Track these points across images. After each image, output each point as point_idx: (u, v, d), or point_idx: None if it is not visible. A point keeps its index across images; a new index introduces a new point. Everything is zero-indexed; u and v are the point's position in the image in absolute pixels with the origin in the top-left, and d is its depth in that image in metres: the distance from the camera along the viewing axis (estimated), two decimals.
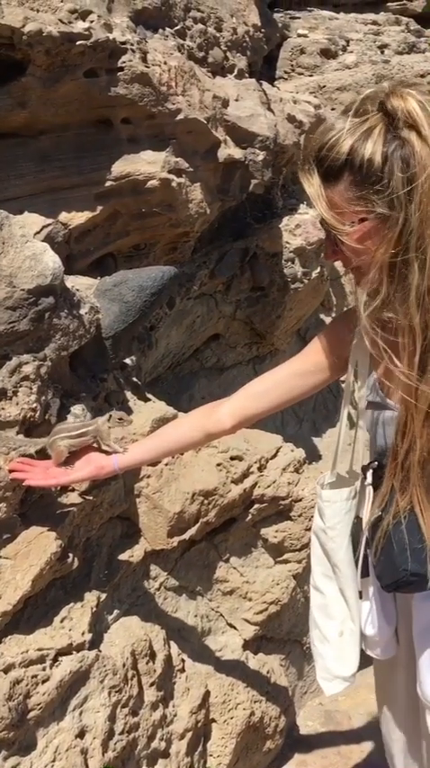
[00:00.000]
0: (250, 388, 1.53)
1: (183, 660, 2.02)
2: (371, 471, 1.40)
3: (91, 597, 1.79)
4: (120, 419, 1.57)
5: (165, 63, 2.49)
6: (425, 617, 1.39)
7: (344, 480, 1.51)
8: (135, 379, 2.48)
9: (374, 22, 7.09)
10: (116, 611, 1.89)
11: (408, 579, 1.29)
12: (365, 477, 1.41)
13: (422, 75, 6.52)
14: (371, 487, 1.40)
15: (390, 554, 1.31)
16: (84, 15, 2.23)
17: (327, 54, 6.26)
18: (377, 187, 1.14)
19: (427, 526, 1.27)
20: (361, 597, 1.47)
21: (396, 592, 1.40)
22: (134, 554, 2.02)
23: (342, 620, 1.49)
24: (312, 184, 1.22)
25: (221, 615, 2.29)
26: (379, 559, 1.35)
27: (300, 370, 1.46)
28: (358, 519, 1.46)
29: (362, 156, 1.14)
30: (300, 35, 6.36)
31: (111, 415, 1.58)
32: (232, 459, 2.28)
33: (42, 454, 1.65)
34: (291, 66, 6.23)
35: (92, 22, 2.23)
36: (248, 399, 1.51)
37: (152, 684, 1.86)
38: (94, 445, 1.63)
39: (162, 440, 1.59)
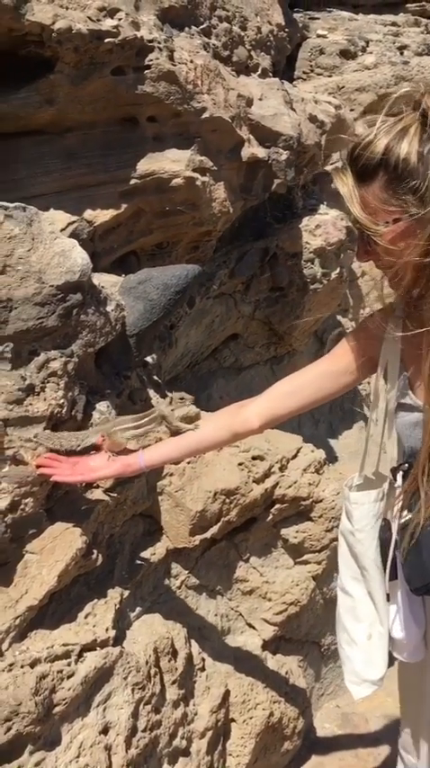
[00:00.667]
0: (278, 387, 1.53)
1: (203, 659, 2.03)
2: (400, 473, 1.40)
3: (114, 594, 1.80)
4: (181, 398, 1.57)
5: (192, 61, 2.49)
6: None
7: (371, 482, 1.51)
8: (156, 377, 2.49)
9: (393, 24, 7.06)
10: (138, 609, 1.90)
11: None
12: (395, 479, 1.41)
13: None
14: (400, 490, 1.40)
15: (420, 557, 1.30)
16: (112, 13, 2.23)
17: (347, 55, 6.24)
18: (412, 187, 1.14)
19: None
20: (388, 600, 1.47)
21: (426, 595, 1.40)
22: (156, 552, 2.02)
23: (370, 622, 1.49)
24: (346, 184, 1.22)
25: (241, 615, 2.29)
26: (408, 562, 1.35)
27: (329, 370, 1.46)
28: (385, 521, 1.45)
29: (398, 155, 1.14)
30: (319, 35, 6.35)
31: (171, 398, 1.57)
32: (254, 458, 2.28)
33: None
34: (310, 66, 6.21)
35: (120, 19, 2.24)
36: (276, 399, 1.50)
37: (174, 682, 1.86)
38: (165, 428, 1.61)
39: (189, 439, 1.60)
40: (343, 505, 1.53)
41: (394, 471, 1.44)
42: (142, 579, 1.95)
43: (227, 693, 2.04)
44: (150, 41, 2.31)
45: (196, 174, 2.50)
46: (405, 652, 1.50)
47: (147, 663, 1.76)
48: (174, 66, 2.38)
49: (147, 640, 1.81)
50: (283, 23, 3.59)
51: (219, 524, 2.15)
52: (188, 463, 2.13)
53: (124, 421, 1.63)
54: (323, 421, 4.07)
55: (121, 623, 1.80)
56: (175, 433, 1.59)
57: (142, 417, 1.62)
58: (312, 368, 1.51)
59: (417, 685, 1.59)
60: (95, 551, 1.74)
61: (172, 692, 1.84)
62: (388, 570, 1.43)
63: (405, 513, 1.37)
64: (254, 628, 2.30)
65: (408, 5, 7.50)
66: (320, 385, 1.47)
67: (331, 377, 1.46)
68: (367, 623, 1.49)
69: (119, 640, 1.75)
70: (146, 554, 1.99)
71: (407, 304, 1.26)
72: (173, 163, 2.46)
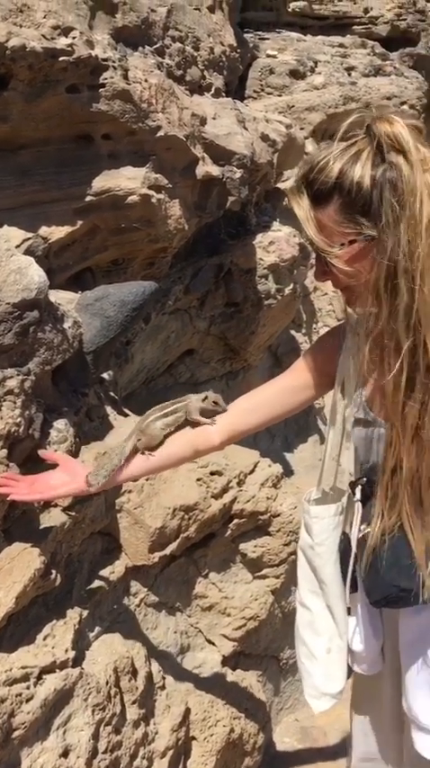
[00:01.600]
0: (238, 404, 1.54)
1: (163, 677, 2.02)
2: (359, 488, 1.42)
3: (73, 614, 1.78)
4: (215, 402, 1.51)
5: (146, 80, 2.52)
6: (411, 632, 1.42)
7: (329, 496, 1.53)
8: (113, 393, 2.49)
9: (341, 45, 7.24)
10: (98, 629, 1.88)
11: (398, 595, 1.31)
12: (354, 494, 1.43)
13: (388, 98, 6.69)
14: (359, 504, 1.42)
15: (379, 570, 1.33)
16: (66, 32, 2.24)
17: (296, 75, 6.37)
18: (365, 210, 1.18)
19: (416, 542, 1.29)
20: (349, 613, 1.49)
21: (384, 607, 1.42)
22: (115, 570, 2.01)
23: (329, 636, 1.50)
24: (302, 207, 1.25)
25: (200, 631, 2.29)
26: (368, 575, 1.36)
27: (289, 386, 1.49)
28: (345, 535, 1.47)
29: (352, 179, 1.18)
30: (269, 55, 6.47)
31: (207, 396, 1.51)
32: (212, 474, 2.29)
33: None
34: (261, 85, 6.32)
35: (74, 38, 2.25)
36: (237, 416, 1.52)
37: (134, 702, 1.85)
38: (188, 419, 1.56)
39: (150, 457, 1.58)
40: (302, 519, 1.55)
41: (352, 485, 1.46)
42: (101, 598, 1.93)
43: (187, 711, 2.03)
44: (104, 60, 2.33)
45: (151, 192, 2.52)
46: (364, 664, 1.52)
47: (107, 683, 1.75)
48: (129, 84, 2.41)
49: (106, 660, 1.80)
50: (235, 44, 3.65)
51: (178, 541, 2.15)
52: (147, 480, 2.13)
53: (152, 412, 1.58)
54: (279, 435, 4.11)
55: (81, 644, 1.78)
56: (195, 424, 1.54)
57: (171, 404, 1.57)
58: (272, 384, 1.53)
59: (377, 697, 1.61)
60: (54, 571, 1.72)
61: (132, 712, 1.83)
62: (348, 583, 1.45)
63: (363, 526, 1.40)
64: (213, 644, 2.30)
65: (355, 27, 7.70)
66: (280, 401, 1.49)
67: (291, 392, 1.49)
68: (326, 637, 1.50)
69: (78, 661, 1.73)
70: (105, 572, 1.98)
71: (363, 321, 1.29)
72: (128, 180, 2.47)
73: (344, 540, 1.46)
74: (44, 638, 1.67)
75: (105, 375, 2.45)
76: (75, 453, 1.93)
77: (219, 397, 1.52)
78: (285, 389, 1.48)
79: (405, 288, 1.18)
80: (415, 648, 1.40)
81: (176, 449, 1.54)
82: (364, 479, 1.41)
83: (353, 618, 1.48)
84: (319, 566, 1.48)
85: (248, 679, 2.34)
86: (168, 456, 1.56)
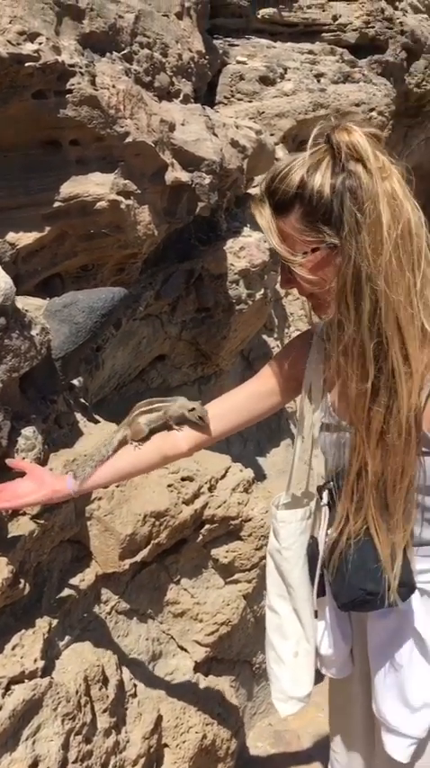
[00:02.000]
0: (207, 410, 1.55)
1: (135, 685, 2.01)
2: (326, 492, 1.44)
3: (42, 623, 1.76)
4: (200, 418, 1.48)
5: (114, 86, 2.52)
6: (380, 635, 1.42)
7: (298, 501, 1.55)
8: (83, 400, 2.47)
9: (310, 52, 7.29)
10: (68, 637, 1.86)
11: (364, 598, 1.32)
12: (321, 498, 1.45)
13: (356, 104, 6.75)
14: (326, 508, 1.43)
15: (346, 574, 1.34)
16: (32, 37, 2.23)
17: (266, 81, 6.41)
18: (327, 218, 1.19)
19: (382, 546, 1.30)
20: (316, 617, 1.50)
21: (352, 611, 1.43)
22: (85, 578, 2.00)
23: (297, 640, 1.51)
24: (264, 216, 1.27)
25: (172, 638, 2.28)
26: (335, 579, 1.37)
27: (257, 392, 1.50)
28: (313, 539, 1.49)
29: (312, 187, 1.20)
30: (239, 62, 6.50)
31: (195, 408, 1.48)
32: (183, 479, 2.29)
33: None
34: (231, 91, 6.34)
35: (40, 44, 2.24)
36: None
37: (105, 711, 1.84)
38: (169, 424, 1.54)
39: (119, 463, 1.58)
40: (271, 524, 1.56)
41: (320, 490, 1.47)
42: (71, 607, 1.92)
43: (159, 718, 2.02)
44: (71, 66, 2.32)
45: (120, 198, 2.52)
46: (333, 668, 1.53)
47: (77, 692, 1.73)
48: (96, 90, 2.40)
49: (77, 669, 1.79)
50: (203, 50, 3.66)
51: (149, 547, 2.14)
52: (117, 487, 2.12)
53: (140, 406, 1.56)
54: (251, 440, 4.12)
55: (50, 653, 1.77)
56: (178, 423, 1.52)
57: (158, 402, 1.55)
58: (240, 390, 1.54)
59: (347, 700, 1.62)
60: (22, 581, 1.70)
61: (103, 721, 1.82)
62: (316, 587, 1.46)
63: (331, 530, 1.41)
64: (185, 650, 2.29)
65: (324, 35, 7.76)
66: (248, 407, 1.50)
67: (258, 398, 1.50)
68: (294, 641, 1.51)
69: (48, 671, 1.72)
70: (75, 581, 1.97)
71: (328, 328, 1.31)
72: (97, 186, 2.47)
73: (313, 543, 1.47)
74: (12, 648, 1.65)
75: (75, 381, 2.43)
76: (43, 461, 1.91)
77: (206, 413, 1.50)
78: (253, 395, 1.49)
79: (368, 294, 1.19)
80: (383, 651, 1.41)
81: (144, 455, 1.54)
82: (331, 483, 1.42)
83: (322, 622, 1.49)
84: (287, 570, 1.49)
85: (221, 684, 2.34)
86: (135, 463, 1.56)
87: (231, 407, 1.50)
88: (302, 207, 1.21)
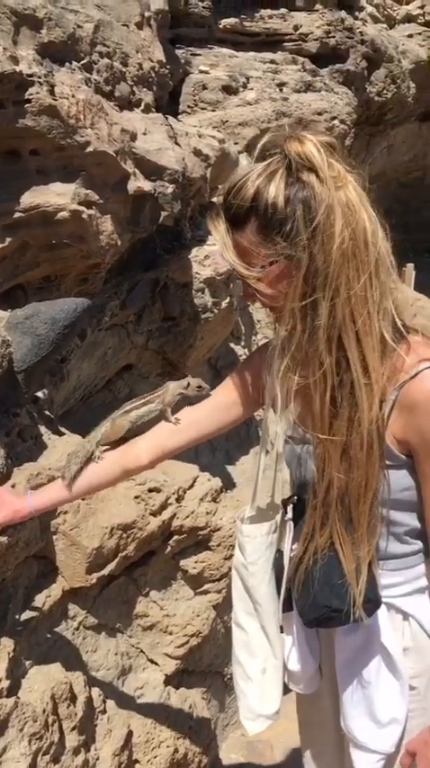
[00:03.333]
0: (168, 422, 1.51)
1: (104, 701, 1.98)
2: (291, 506, 1.41)
3: (7, 642, 1.73)
4: (199, 387, 1.42)
5: (73, 96, 2.51)
6: (347, 651, 1.39)
7: (264, 514, 1.50)
8: (48, 412, 2.44)
9: (272, 61, 7.36)
10: (34, 655, 1.83)
11: (330, 615, 1.29)
12: (286, 512, 1.42)
13: (319, 113, 6.83)
14: (291, 522, 1.40)
15: (311, 590, 1.31)
16: None
17: (229, 90, 6.44)
18: (281, 230, 1.17)
19: (346, 561, 1.28)
20: (282, 632, 1.47)
21: (317, 627, 1.41)
22: (51, 594, 1.96)
23: (264, 657, 1.47)
24: (219, 231, 1.24)
25: (142, 651, 2.26)
26: (300, 595, 1.34)
27: (220, 404, 1.46)
28: (279, 553, 1.46)
29: (266, 199, 1.17)
30: (201, 71, 6.52)
31: (189, 383, 1.43)
32: (150, 491, 2.27)
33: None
34: (194, 101, 6.37)
35: None
36: (166, 434, 1.48)
37: (73, 729, 1.80)
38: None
39: (80, 478, 1.52)
40: (236, 539, 1.53)
41: (285, 503, 1.45)
42: (37, 624, 1.88)
43: (129, 734, 1.99)
44: (30, 76, 2.31)
45: (82, 208, 2.51)
46: (301, 683, 1.49)
47: (44, 711, 1.70)
48: (56, 100, 2.39)
49: (43, 687, 1.75)
50: (164, 60, 3.67)
51: (116, 560, 2.12)
52: (83, 500, 2.09)
53: (130, 403, 1.51)
54: (220, 449, 4.12)
55: (16, 672, 1.73)
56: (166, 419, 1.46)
57: (149, 395, 1.49)
58: (203, 403, 1.50)
59: (317, 714, 1.59)
60: None
61: (71, 739, 1.78)
62: (281, 602, 1.43)
63: (295, 545, 1.38)
64: (156, 663, 2.27)
65: (286, 44, 7.84)
66: (210, 418, 1.46)
67: (221, 410, 1.46)
68: (261, 657, 1.47)
69: (13, 690, 1.68)
70: (41, 597, 1.93)
71: (284, 340, 1.29)
72: (58, 196, 2.45)
73: (279, 558, 1.45)
74: None
75: (39, 394, 2.40)
76: (6, 475, 1.88)
77: (200, 380, 1.45)
78: (216, 407, 1.46)
79: (324, 305, 1.18)
80: (350, 667, 1.38)
81: (103, 470, 1.50)
82: (295, 498, 1.40)
83: (289, 637, 1.46)
84: (253, 585, 1.45)
85: (192, 697, 2.31)
86: (96, 479, 1.51)
87: (193, 419, 1.46)
88: (257, 220, 1.19)
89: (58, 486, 1.55)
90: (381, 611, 1.33)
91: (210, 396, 1.48)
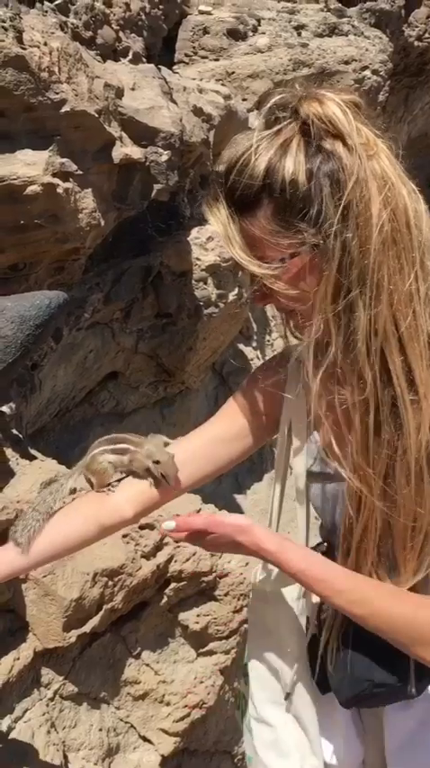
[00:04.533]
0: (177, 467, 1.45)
1: None
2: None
3: None
4: (163, 476, 1.34)
5: (46, 44, 2.52)
6: (400, 734, 1.36)
7: (281, 575, 1.46)
8: (15, 431, 2.45)
9: None
10: None
11: (372, 692, 1.26)
12: None
13: (346, 62, 6.85)
14: None
15: (347, 660, 1.26)
16: None
17: (235, 35, 6.47)
18: (305, 213, 1.14)
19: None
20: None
21: (355, 707, 1.38)
22: (20, 656, 1.97)
23: (301, 755, 1.42)
24: (220, 220, 1.19)
25: (133, 726, 2.25)
26: (335, 668, 1.29)
27: (220, 436, 1.39)
28: (308, 620, 1.41)
29: (283, 176, 1.12)
30: (202, 12, 6.55)
31: (160, 461, 1.35)
32: (141, 528, 2.27)
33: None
34: (193, 48, 6.39)
35: None
36: None
37: None
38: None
39: (46, 541, 1.39)
40: (249, 611, 1.50)
41: None
42: (3, 693, 1.88)
43: None
44: None
45: (57, 180, 2.52)
46: None
47: None
48: (24, 49, 2.40)
49: None
50: None
51: (100, 614, 2.12)
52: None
53: (98, 445, 1.43)
54: (227, 474, 4.12)
55: None
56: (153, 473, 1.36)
57: (123, 440, 1.42)
58: (198, 434, 1.42)
59: None
60: None
61: None
62: (315, 679, 1.39)
63: (325, 606, 1.35)
64: (150, 741, 2.26)
65: None
66: (209, 455, 1.39)
67: (223, 444, 1.39)
68: (297, 757, 1.41)
69: None
70: (7, 660, 1.93)
71: (315, 351, 1.24)
72: (27, 166, 2.46)
73: (310, 627, 1.41)
74: None
75: (5, 408, 2.41)
76: None
77: (174, 471, 1.35)
78: (216, 441, 1.39)
79: (361, 303, 1.15)
80: (405, 754, 1.34)
81: (73, 528, 1.39)
82: (325, 544, 1.38)
83: (327, 725, 1.43)
84: (282, 667, 1.41)
85: None
86: (62, 540, 1.39)
87: (188, 458, 1.37)
88: (272, 202, 1.14)
89: (8, 550, 1.40)
90: None
91: (211, 424, 1.42)
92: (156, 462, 1.35)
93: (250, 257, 1.19)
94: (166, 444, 1.39)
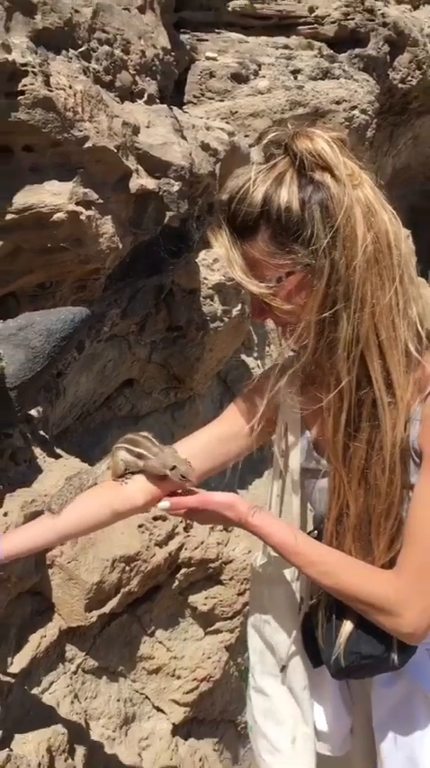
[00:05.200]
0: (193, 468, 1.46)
1: (106, 754, 1.97)
2: None
3: None
4: (183, 477, 1.33)
5: (70, 87, 2.53)
6: (386, 705, 1.35)
7: (280, 560, 1.40)
8: (42, 432, 2.45)
9: (286, 47, 7.40)
10: (28, 702, 1.82)
11: (360, 663, 1.25)
12: None
13: (337, 102, 6.85)
14: None
15: (336, 635, 1.26)
16: None
17: (238, 78, 6.48)
18: (298, 236, 1.16)
19: None
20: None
21: (347, 678, 1.38)
22: (47, 634, 1.96)
23: (293, 723, 1.41)
24: (224, 245, 1.20)
25: (147, 697, 2.24)
26: (325, 642, 1.29)
27: (223, 434, 1.40)
28: (302, 600, 1.42)
29: (279, 204, 1.15)
30: (208, 58, 6.56)
31: (176, 466, 1.34)
32: (155, 519, 2.26)
33: None
34: (201, 90, 6.41)
35: None
36: None
37: None
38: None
39: (63, 521, 1.41)
40: (250, 591, 1.49)
41: None
42: (32, 667, 1.88)
43: None
44: (23, 65, 2.33)
45: (80, 208, 2.52)
46: (329, 744, 1.44)
47: (39, 765, 1.69)
48: (51, 91, 2.41)
49: (39, 738, 1.74)
50: (169, 46, 3.70)
51: (118, 596, 2.11)
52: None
53: (124, 438, 1.43)
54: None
55: (8, 721, 1.72)
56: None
57: (143, 441, 1.40)
58: (203, 433, 1.43)
59: None
60: None
61: None
62: (296, 654, 1.38)
63: (316, 587, 1.35)
64: (162, 711, 2.25)
65: (301, 28, 7.89)
66: (213, 452, 1.39)
67: (225, 442, 1.40)
68: (290, 724, 1.41)
69: (6, 741, 1.67)
70: (35, 637, 1.93)
71: (300, 357, 1.27)
72: (53, 196, 2.47)
73: (304, 606, 1.41)
74: None
75: (33, 412, 2.41)
76: None
77: (190, 472, 1.34)
78: (219, 438, 1.39)
79: (345, 317, 1.17)
80: (390, 724, 1.34)
81: (90, 511, 1.41)
82: (316, 532, 1.38)
83: (319, 693, 1.43)
84: (279, 642, 1.40)
85: (203, 749, 2.30)
86: (81, 520, 1.41)
87: (194, 454, 1.38)
88: (270, 227, 1.16)
89: (34, 527, 1.46)
90: (424, 658, 1.30)
91: (213, 424, 1.42)
92: (173, 468, 1.35)
93: (249, 278, 1.21)
94: (183, 476, 1.37)
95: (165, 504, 1.33)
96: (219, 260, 3.80)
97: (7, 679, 1.76)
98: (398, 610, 1.18)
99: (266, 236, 1.18)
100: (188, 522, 2.33)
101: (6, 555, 1.39)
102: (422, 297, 1.29)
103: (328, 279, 1.15)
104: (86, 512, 1.42)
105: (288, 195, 1.15)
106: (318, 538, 1.35)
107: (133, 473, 1.41)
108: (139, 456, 1.41)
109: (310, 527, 1.41)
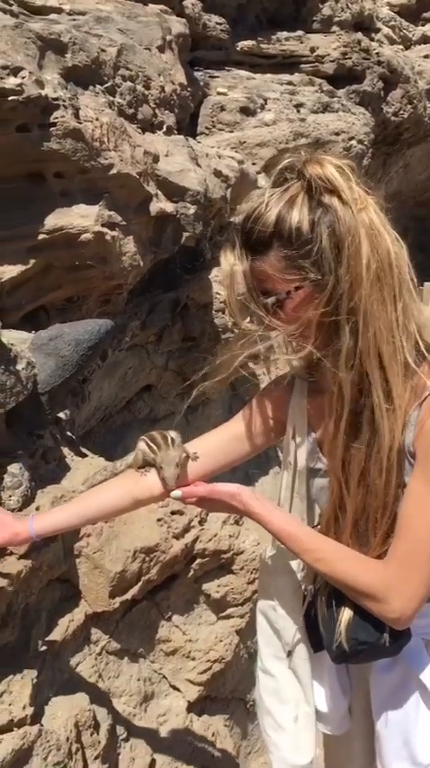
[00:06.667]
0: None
1: (127, 728, 1.95)
2: None
3: (31, 668, 1.70)
4: (162, 479, 1.36)
5: (97, 119, 2.53)
6: (383, 689, 1.34)
7: (286, 551, 1.41)
8: (70, 433, 2.44)
9: (289, 83, 7.40)
10: (57, 681, 1.81)
11: (357, 649, 1.24)
12: None
13: (336, 133, 6.85)
14: None
15: (336, 623, 1.25)
16: (15, 71, 2.24)
17: (247, 112, 6.48)
18: (307, 254, 1.15)
19: None
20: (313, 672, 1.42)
21: (346, 663, 1.36)
22: (74, 618, 1.94)
23: (296, 703, 1.41)
24: (230, 263, 1.21)
25: (164, 677, 2.22)
26: (326, 629, 1.29)
27: (237, 433, 1.41)
28: (306, 589, 1.41)
29: (290, 225, 1.15)
30: (219, 93, 6.57)
31: (162, 468, 1.37)
32: (173, 513, 2.24)
33: None
34: (212, 122, 6.41)
35: (23, 78, 2.25)
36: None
37: (97, 757, 1.77)
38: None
39: (87, 505, 1.46)
40: (259, 579, 1.49)
41: None
42: (60, 649, 1.86)
43: (152, 762, 1.96)
44: (55, 99, 2.33)
45: (105, 229, 2.52)
46: (330, 724, 1.44)
47: (67, 739, 1.67)
48: (80, 123, 2.41)
49: (66, 715, 1.72)
50: (185, 82, 3.70)
51: (139, 584, 2.09)
52: (106, 522, 2.07)
53: (149, 433, 1.44)
54: (239, 469, 4.08)
55: (39, 698, 1.70)
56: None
57: (161, 439, 1.40)
58: (218, 432, 1.44)
59: (346, 758, 1.51)
60: (10, 623, 1.65)
61: None
62: (299, 639, 1.37)
63: (319, 578, 1.33)
64: (178, 690, 2.23)
65: (303, 66, 7.89)
66: (228, 449, 1.41)
67: (239, 440, 1.40)
68: (293, 704, 1.40)
69: (37, 717, 1.66)
70: (64, 621, 1.91)
71: (310, 366, 1.27)
72: (81, 218, 2.46)
73: (307, 594, 1.40)
74: (0, 696, 1.59)
75: (62, 414, 2.39)
76: (30, 498, 1.87)
77: (172, 476, 1.35)
78: (233, 437, 1.40)
79: (347, 329, 1.16)
80: (387, 707, 1.32)
81: (115, 499, 1.43)
82: (319, 526, 1.36)
83: (323, 677, 1.42)
84: (283, 627, 1.40)
85: (215, 725, 2.27)
86: (105, 506, 1.44)
87: (208, 451, 1.40)
88: (282, 245, 1.16)
89: (62, 511, 1.49)
90: (419, 646, 1.28)
91: (225, 426, 1.43)
92: (160, 468, 1.38)
93: (257, 297, 1.20)
94: (185, 452, 1.40)
95: (177, 493, 1.35)
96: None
97: (38, 659, 1.75)
98: (385, 596, 1.19)
99: (278, 253, 1.18)
100: (203, 515, 2.32)
101: (37, 533, 1.44)
102: (422, 312, 1.29)
103: (332, 294, 1.15)
104: (109, 499, 1.45)
105: (299, 216, 1.15)
106: (322, 531, 1.34)
107: (151, 465, 1.43)
108: (154, 450, 1.43)
109: (316, 521, 1.41)
